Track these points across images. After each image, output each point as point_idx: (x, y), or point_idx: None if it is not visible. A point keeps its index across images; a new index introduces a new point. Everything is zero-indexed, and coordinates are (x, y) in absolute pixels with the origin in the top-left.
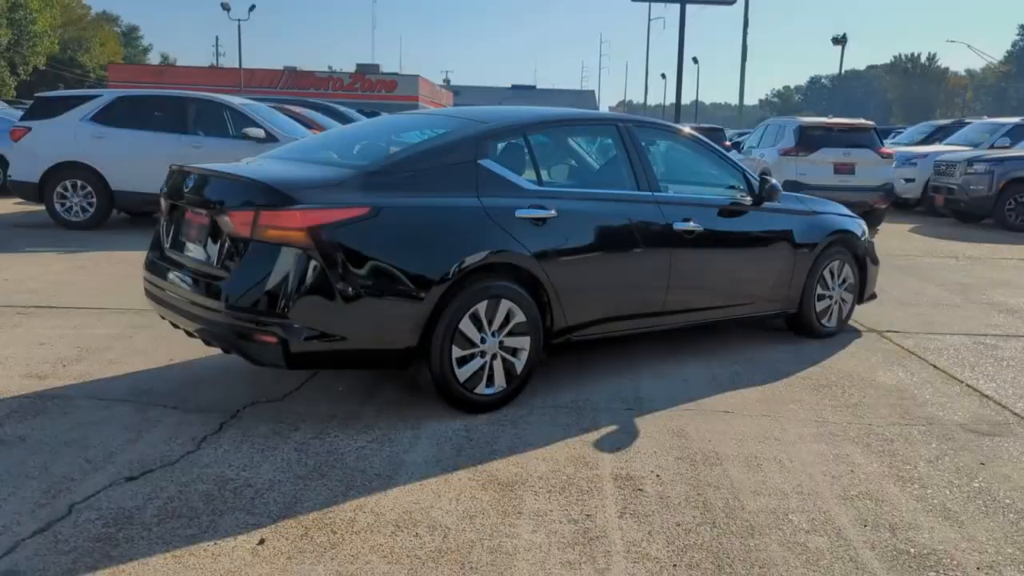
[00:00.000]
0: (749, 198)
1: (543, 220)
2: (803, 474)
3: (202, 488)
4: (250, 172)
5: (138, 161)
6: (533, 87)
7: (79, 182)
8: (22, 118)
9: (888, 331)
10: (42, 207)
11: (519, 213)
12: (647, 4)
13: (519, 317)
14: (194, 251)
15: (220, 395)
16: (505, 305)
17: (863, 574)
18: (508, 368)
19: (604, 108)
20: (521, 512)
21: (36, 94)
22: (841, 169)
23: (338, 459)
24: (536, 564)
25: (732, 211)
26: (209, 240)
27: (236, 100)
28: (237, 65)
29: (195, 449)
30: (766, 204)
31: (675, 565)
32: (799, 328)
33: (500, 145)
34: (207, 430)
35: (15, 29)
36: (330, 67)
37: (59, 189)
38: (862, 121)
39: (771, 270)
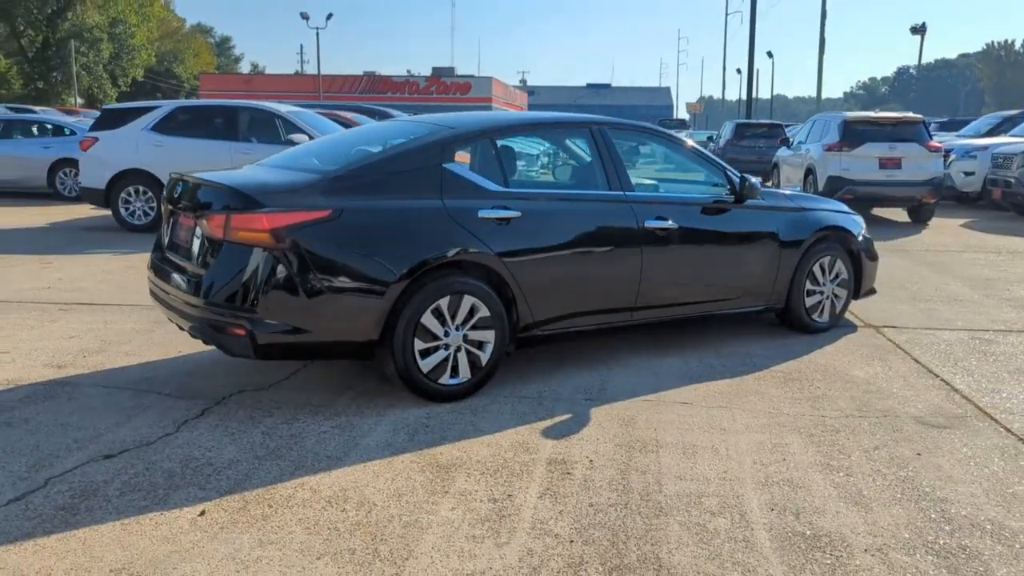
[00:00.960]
0: (731, 196)
1: (507, 220)
2: (734, 461)
3: (167, 466)
4: (227, 179)
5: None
6: (608, 85)
7: (141, 188)
8: (91, 129)
9: (885, 326)
10: (109, 212)
11: (482, 213)
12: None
13: (483, 312)
14: (184, 252)
15: (213, 383)
16: (468, 300)
17: (750, 552)
18: (473, 360)
19: (682, 104)
20: (447, 492)
21: (103, 106)
22: (887, 164)
23: (298, 442)
24: (443, 538)
25: (710, 209)
26: (195, 242)
27: (283, 108)
28: (324, 73)
29: (174, 432)
30: (749, 202)
31: (572, 541)
32: (789, 323)
33: (462, 149)
34: (190, 415)
35: (116, 43)
36: (409, 71)
37: (123, 195)
38: (910, 115)
39: (753, 266)
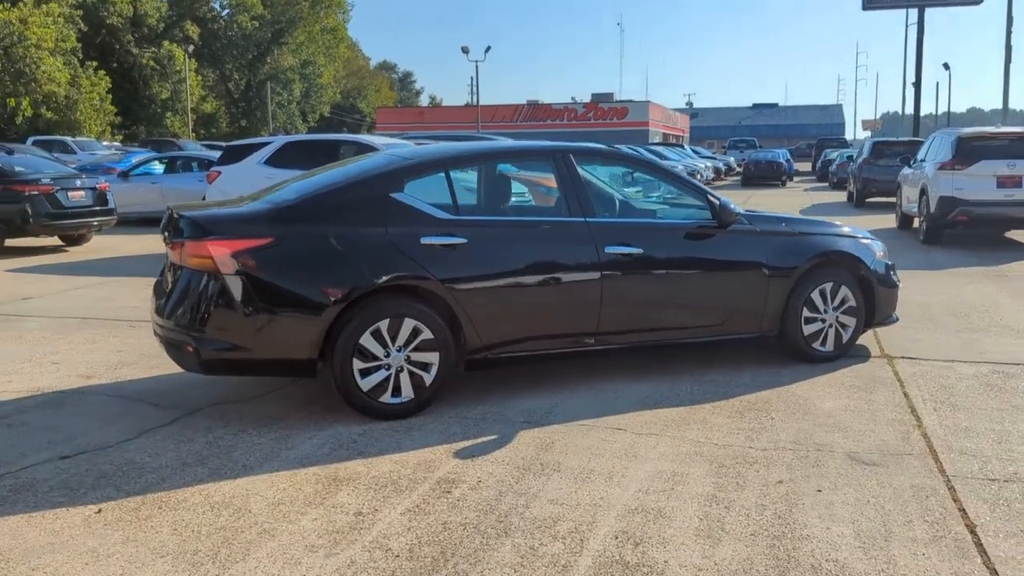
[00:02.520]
0: (714, 221)
1: (452, 247)
2: (618, 488)
3: (104, 468)
4: (192, 211)
5: None
6: (775, 104)
7: None
8: (216, 163)
9: (902, 357)
10: None
11: (424, 240)
12: (903, 11)
13: (425, 334)
14: (165, 279)
15: (200, 396)
16: (409, 323)
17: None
18: (417, 381)
19: (858, 121)
20: (323, 504)
21: (226, 144)
22: (1006, 183)
23: (229, 451)
24: (285, 545)
25: (685, 234)
26: (170, 269)
27: (379, 140)
28: (487, 103)
29: (134, 437)
30: (736, 226)
31: (398, 556)
32: (790, 351)
33: (416, 180)
34: (158, 423)
35: (306, 83)
36: (573, 98)
37: None
38: None
39: (735, 293)
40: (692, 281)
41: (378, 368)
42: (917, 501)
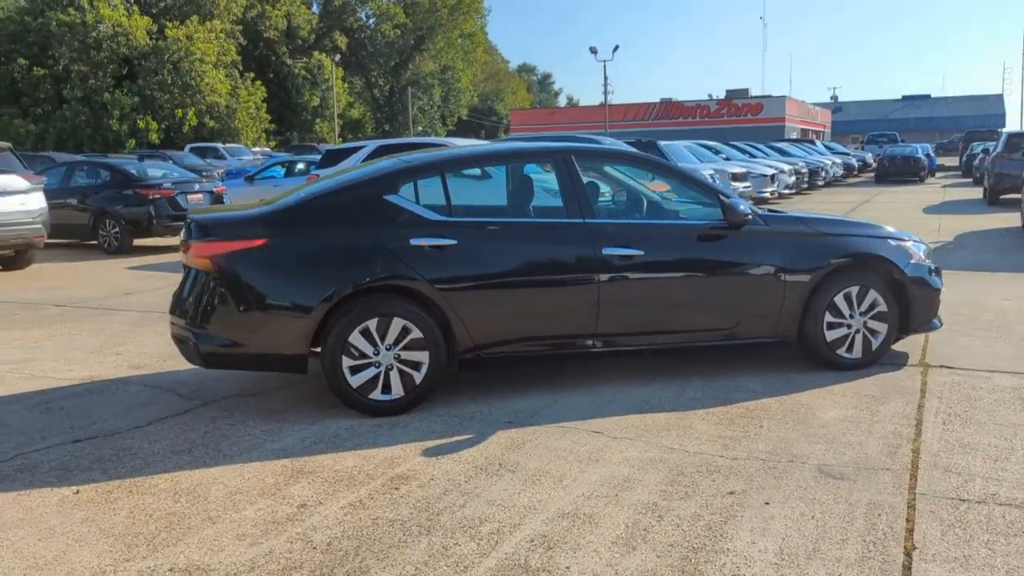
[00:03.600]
0: (723, 222)
1: (442, 248)
2: (561, 491)
3: (104, 452)
4: (200, 214)
5: None
6: (928, 96)
7: None
8: (316, 167)
9: (942, 365)
10: None
11: (414, 242)
12: None
13: (415, 333)
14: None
15: (221, 388)
16: (399, 323)
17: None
18: (407, 379)
19: (1019, 111)
20: (275, 495)
21: (326, 148)
22: None
23: (218, 442)
24: (219, 533)
25: (690, 235)
26: (184, 269)
27: (461, 143)
28: (624, 102)
29: (144, 425)
30: (748, 227)
31: (315, 548)
32: (813, 358)
33: (411, 182)
34: (173, 412)
35: (444, 87)
36: (710, 95)
37: None
38: None
39: (746, 295)
40: (698, 284)
41: (368, 366)
42: (866, 519)
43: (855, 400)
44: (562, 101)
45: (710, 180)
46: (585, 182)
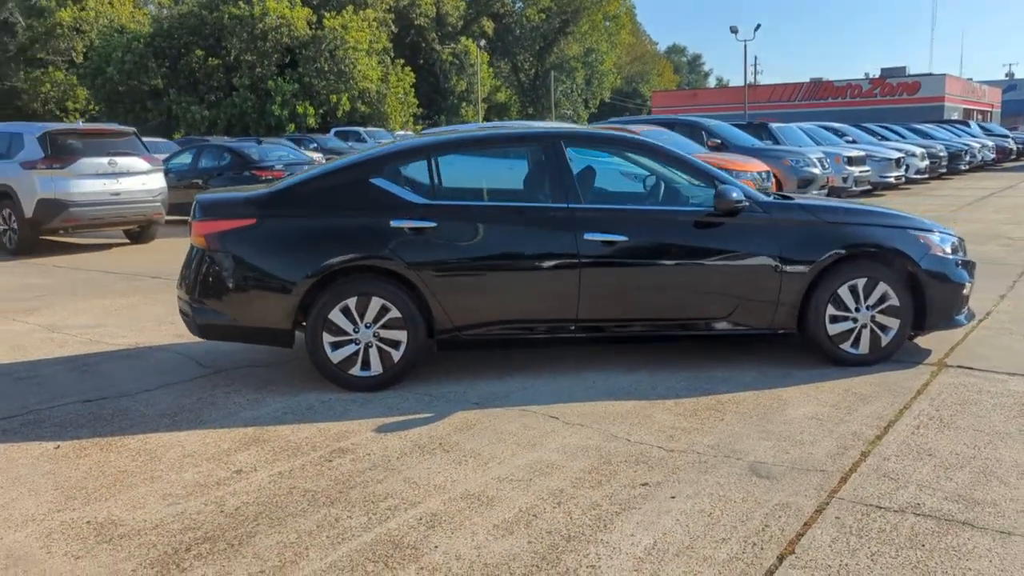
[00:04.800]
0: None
1: (421, 230)
2: (479, 473)
3: (104, 412)
4: (205, 195)
5: None
6: None
7: None
8: None
9: (960, 366)
10: None
11: (394, 224)
12: None
13: (394, 313)
14: None
15: (239, 358)
16: (377, 302)
17: (303, 556)
18: (386, 356)
19: None
20: (220, 460)
21: (425, 130)
22: None
23: (203, 409)
24: (151, 491)
25: (679, 221)
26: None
27: (539, 125)
28: (775, 82)
29: (153, 388)
30: (746, 215)
31: (222, 511)
32: (818, 352)
33: (399, 165)
34: (184, 378)
35: (588, 70)
36: (867, 74)
37: None
38: None
39: (737, 285)
40: (685, 272)
41: (348, 343)
42: (763, 520)
43: (838, 398)
44: (711, 82)
45: (709, 166)
46: (582, 167)
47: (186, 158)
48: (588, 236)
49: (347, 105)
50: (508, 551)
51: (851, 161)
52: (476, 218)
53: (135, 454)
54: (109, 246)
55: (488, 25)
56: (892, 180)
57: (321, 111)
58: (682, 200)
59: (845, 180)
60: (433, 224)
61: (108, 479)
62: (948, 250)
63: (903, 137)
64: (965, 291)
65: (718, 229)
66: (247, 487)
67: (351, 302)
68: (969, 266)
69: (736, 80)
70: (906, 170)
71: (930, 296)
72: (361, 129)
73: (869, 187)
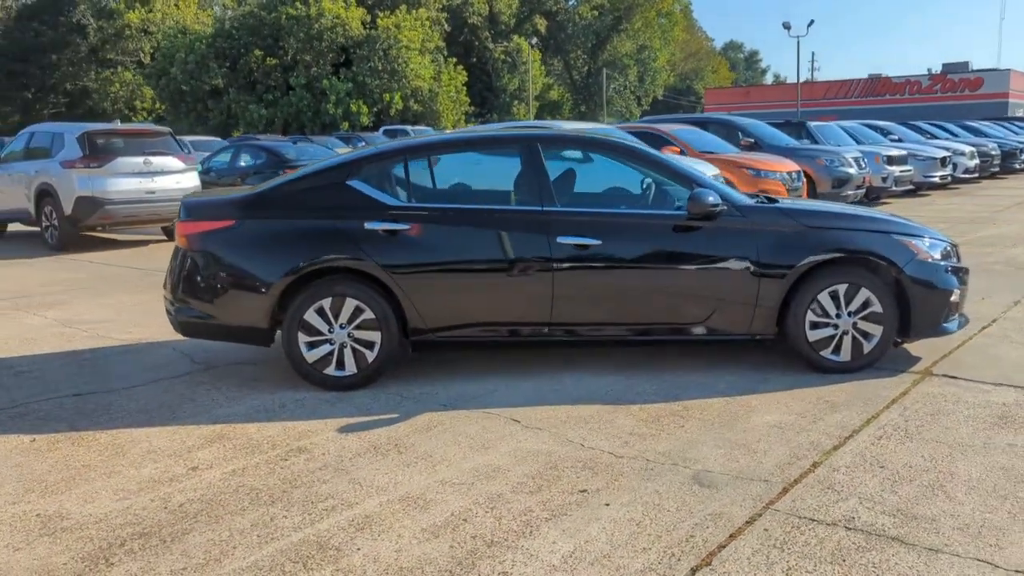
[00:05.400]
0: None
1: (394, 232)
2: (424, 476)
3: (89, 406)
4: (192, 197)
5: None
6: None
7: None
8: None
9: (946, 375)
10: None
11: (368, 226)
12: None
13: (367, 314)
14: None
15: (233, 355)
16: (351, 303)
17: (244, 548)
18: (360, 357)
19: None
20: (181, 456)
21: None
22: None
23: (181, 405)
24: (106, 486)
25: (655, 225)
26: None
27: (569, 126)
28: (832, 78)
29: (141, 384)
30: (723, 219)
31: (166, 508)
32: (800, 358)
33: (375, 168)
34: (174, 374)
35: (640, 67)
36: (929, 70)
37: None
38: None
39: (713, 290)
40: (660, 276)
41: (323, 343)
42: (690, 530)
43: (807, 406)
44: (768, 79)
45: (691, 169)
46: (564, 170)
47: (225, 157)
48: (561, 240)
49: (400, 104)
50: (427, 556)
51: (891, 160)
52: (449, 220)
53: (103, 449)
54: (146, 242)
55: (541, 23)
56: (937, 180)
57: (375, 110)
58: (661, 203)
59: (885, 180)
60: (406, 226)
61: (70, 473)
62: (937, 256)
63: (954, 135)
64: (953, 298)
65: (694, 233)
66: (197, 484)
67: (326, 303)
68: (960, 272)
69: (793, 77)
70: (953, 169)
71: (915, 303)
72: (408, 127)
73: (911, 187)
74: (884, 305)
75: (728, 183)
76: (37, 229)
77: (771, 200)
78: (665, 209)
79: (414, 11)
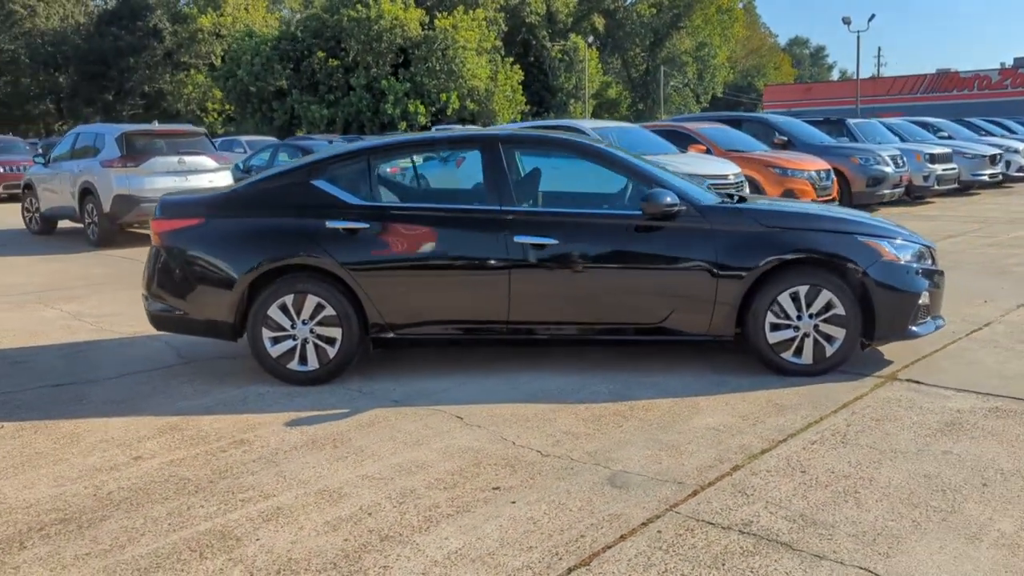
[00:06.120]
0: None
1: (355, 231)
2: (349, 470)
3: (65, 396)
4: (167, 196)
5: None
6: None
7: None
8: None
9: (911, 379)
10: None
11: (329, 224)
12: None
13: (328, 311)
14: None
15: (216, 350)
16: (313, 300)
17: (167, 530)
18: (322, 352)
19: None
20: (129, 446)
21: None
22: None
23: (149, 396)
24: (49, 473)
25: (613, 225)
26: None
27: (588, 124)
28: (898, 73)
29: (120, 376)
30: (681, 219)
31: (95, 496)
32: (761, 361)
33: (339, 168)
34: (153, 367)
35: (699, 64)
36: (1003, 64)
37: None
38: None
39: (671, 290)
40: (617, 276)
41: (286, 338)
42: (583, 530)
43: (754, 408)
44: (835, 75)
45: (651, 169)
46: (528, 170)
47: (264, 156)
48: (518, 239)
49: (456, 103)
50: (318, 548)
51: (934, 158)
52: (408, 219)
53: (60, 437)
54: None
55: (599, 21)
56: (986, 178)
57: (432, 109)
58: (622, 204)
59: (926, 179)
60: (366, 225)
61: (21, 460)
62: (908, 257)
63: (1012, 132)
64: (922, 301)
65: (653, 233)
66: (134, 473)
67: (288, 299)
68: (933, 275)
69: (862, 73)
70: (1007, 167)
71: (879, 305)
72: (459, 126)
73: (956, 186)
74: (847, 307)
75: (752, 182)
76: (81, 226)
77: (742, 200)
78: (625, 209)
79: (471, 11)
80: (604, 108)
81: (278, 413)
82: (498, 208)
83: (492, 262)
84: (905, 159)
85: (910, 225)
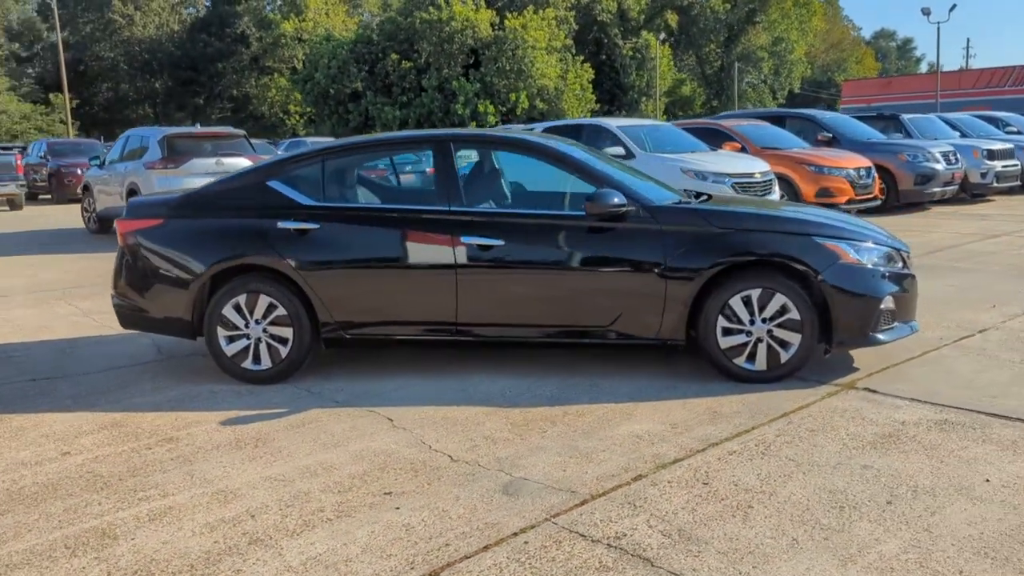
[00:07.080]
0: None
1: (304, 231)
2: (259, 470)
3: (35, 390)
4: (134, 198)
5: None
6: None
7: None
8: None
9: (868, 388)
10: None
11: (280, 225)
12: None
13: (280, 311)
14: None
15: (193, 347)
16: (265, 299)
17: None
18: (275, 352)
19: None
20: (65, 442)
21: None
22: None
23: (112, 392)
24: None
25: (561, 226)
26: None
27: (614, 123)
28: (987, 66)
29: (94, 372)
30: (630, 220)
31: (18, 489)
32: (714, 367)
33: (294, 169)
34: (132, 363)
35: (776, 59)
36: None
37: None
38: None
39: (618, 293)
40: (563, 278)
41: (240, 337)
42: (451, 538)
43: (688, 416)
44: (923, 68)
45: (603, 169)
46: (488, 169)
47: None
48: (465, 239)
49: (525, 103)
50: (185, 549)
51: (992, 155)
52: (357, 220)
53: (7, 431)
54: None
55: (672, 18)
56: None
57: (502, 109)
58: (574, 204)
59: (984, 175)
60: (316, 226)
61: None
62: (874, 260)
63: None
64: (884, 305)
65: (600, 234)
66: (54, 469)
67: (242, 299)
68: (902, 279)
69: (950, 65)
70: None
71: (836, 310)
72: (515, 126)
73: (1019, 183)
74: (802, 312)
75: (786, 180)
76: None
77: (700, 199)
78: (576, 210)
79: (541, 11)
80: (677, 105)
81: (219, 412)
82: (446, 208)
83: (440, 263)
84: (960, 155)
85: (954, 224)
